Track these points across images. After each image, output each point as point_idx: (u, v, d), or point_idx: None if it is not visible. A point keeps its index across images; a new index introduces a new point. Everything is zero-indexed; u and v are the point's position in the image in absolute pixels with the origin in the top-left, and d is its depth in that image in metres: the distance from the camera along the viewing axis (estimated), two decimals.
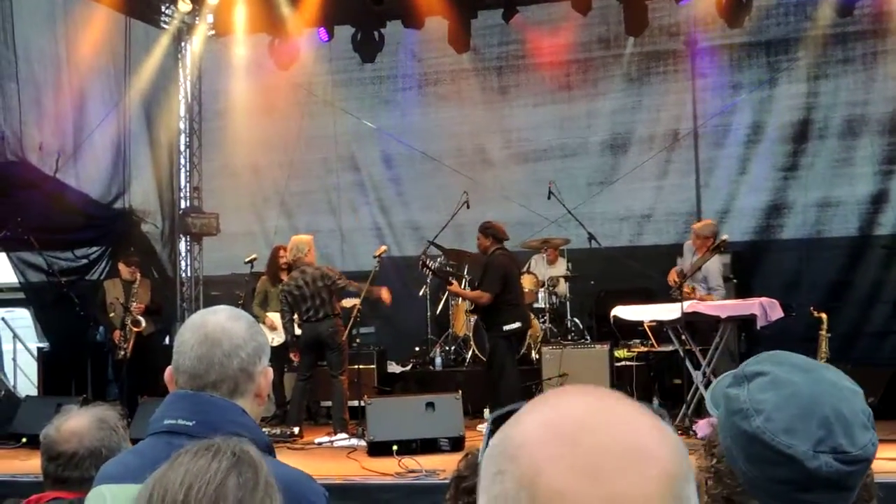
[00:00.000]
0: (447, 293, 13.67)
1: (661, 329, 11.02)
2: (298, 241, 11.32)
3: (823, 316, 10.74)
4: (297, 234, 11.84)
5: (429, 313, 14.24)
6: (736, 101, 14.87)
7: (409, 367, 13.95)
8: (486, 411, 11.43)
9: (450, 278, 12.37)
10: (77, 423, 3.48)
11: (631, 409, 1.15)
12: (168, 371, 2.73)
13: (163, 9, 16.22)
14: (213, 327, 2.66)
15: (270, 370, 2.78)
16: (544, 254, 14.03)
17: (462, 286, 12.83)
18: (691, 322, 10.47)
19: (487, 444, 1.20)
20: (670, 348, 11.21)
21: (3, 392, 13.02)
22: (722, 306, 10.45)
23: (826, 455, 1.71)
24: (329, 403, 11.63)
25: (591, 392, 1.17)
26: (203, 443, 2.08)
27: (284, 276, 12.57)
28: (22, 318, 15.41)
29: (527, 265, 13.95)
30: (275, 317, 12.32)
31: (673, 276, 11.07)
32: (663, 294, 11.34)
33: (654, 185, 15.15)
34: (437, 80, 16.28)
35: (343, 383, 10.97)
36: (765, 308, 10.14)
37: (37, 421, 10.31)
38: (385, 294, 11.30)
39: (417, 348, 14.26)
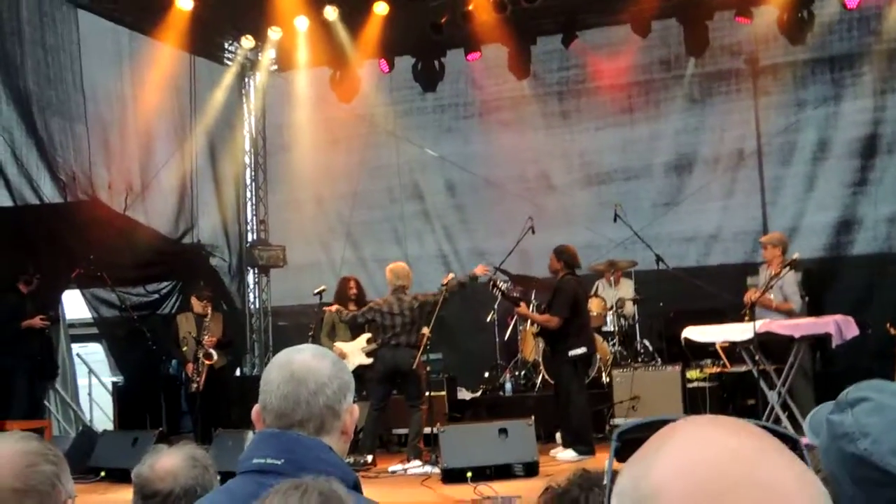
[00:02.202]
0: (515, 318, 13.58)
1: (733, 349, 10.84)
2: (397, 269, 11.36)
3: None
4: (396, 262, 11.81)
5: (497, 339, 14.13)
6: (801, 118, 14.66)
7: (479, 394, 13.87)
8: (558, 436, 11.32)
9: (518, 300, 12.28)
10: (171, 461, 3.48)
11: (773, 454, 1.08)
12: (255, 409, 2.74)
13: (226, 45, 16.40)
14: (299, 366, 2.68)
15: (356, 407, 2.81)
16: (610, 277, 13.90)
17: (531, 310, 12.74)
18: (764, 342, 10.28)
19: (611, 468, 1.14)
20: (743, 368, 11.02)
21: (80, 427, 13.10)
22: (796, 325, 10.24)
23: None
24: (401, 431, 11.63)
25: (727, 429, 1.11)
26: (291, 482, 2.15)
27: (353, 307, 12.58)
28: (96, 352, 15.55)
29: (593, 289, 13.82)
30: (343, 346, 12.33)
31: (750, 296, 10.86)
32: (733, 314, 11.16)
33: (720, 204, 14.99)
34: (499, 107, 16.23)
35: (423, 413, 10.93)
36: (839, 326, 9.91)
37: (114, 455, 10.51)
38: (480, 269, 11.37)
39: (487, 374, 14.17)
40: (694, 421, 1.14)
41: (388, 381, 11.13)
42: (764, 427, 1.15)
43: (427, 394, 11.17)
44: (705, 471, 1.05)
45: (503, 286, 12.32)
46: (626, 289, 13.96)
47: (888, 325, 10.69)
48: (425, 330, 11.18)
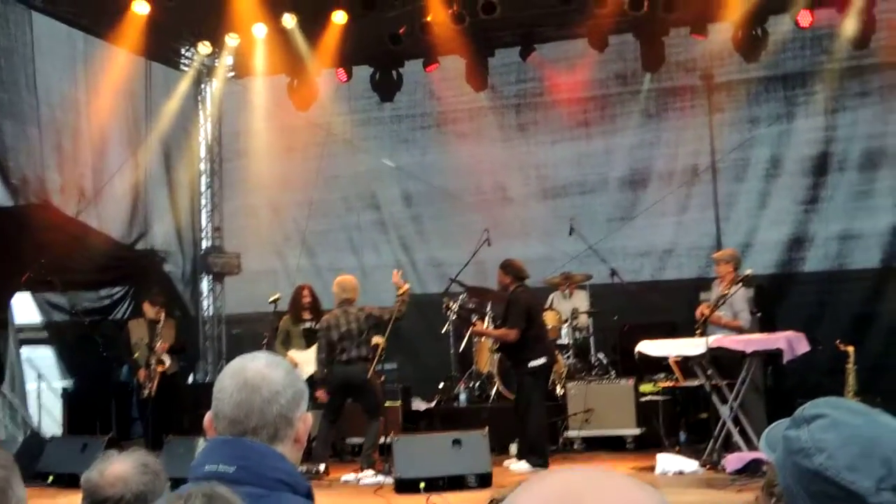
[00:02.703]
0: (469, 331, 13.55)
1: (686, 363, 10.86)
2: (344, 282, 11.23)
3: (850, 349, 10.61)
4: (343, 275, 11.67)
5: (452, 350, 14.07)
6: (754, 134, 14.78)
7: (433, 404, 13.82)
8: (513, 447, 11.34)
9: (473, 317, 12.27)
10: (121, 467, 3.43)
11: (620, 479, 1.22)
12: (207, 417, 2.72)
13: (182, 51, 16.31)
14: (253, 374, 2.66)
15: (309, 416, 2.79)
16: (565, 289, 13.90)
17: (486, 324, 12.74)
18: (717, 356, 10.31)
19: None
20: (696, 383, 11.05)
21: (28, 432, 12.92)
22: (748, 341, 10.28)
23: (888, 492, 1.77)
24: (356, 440, 11.60)
25: (582, 469, 1.26)
26: (175, 494, 2.23)
27: (307, 315, 12.50)
28: (45, 357, 15.36)
29: (549, 302, 13.83)
30: (296, 355, 12.30)
31: (702, 310, 10.89)
32: (687, 328, 11.19)
33: (675, 219, 15.08)
34: (456, 119, 16.24)
35: (381, 423, 10.88)
36: (791, 342, 9.97)
37: (63, 460, 10.40)
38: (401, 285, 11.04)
39: (441, 385, 14.12)
40: (554, 470, 1.35)
41: (341, 394, 11.04)
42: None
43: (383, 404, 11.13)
44: (562, 492, 1.21)
45: (454, 306, 12.28)
46: (581, 301, 13.98)
47: (838, 341, 10.76)
48: (379, 339, 11.11)
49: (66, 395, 14.02)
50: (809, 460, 1.82)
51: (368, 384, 10.87)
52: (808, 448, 1.83)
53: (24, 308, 14.03)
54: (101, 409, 13.63)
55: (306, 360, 12.10)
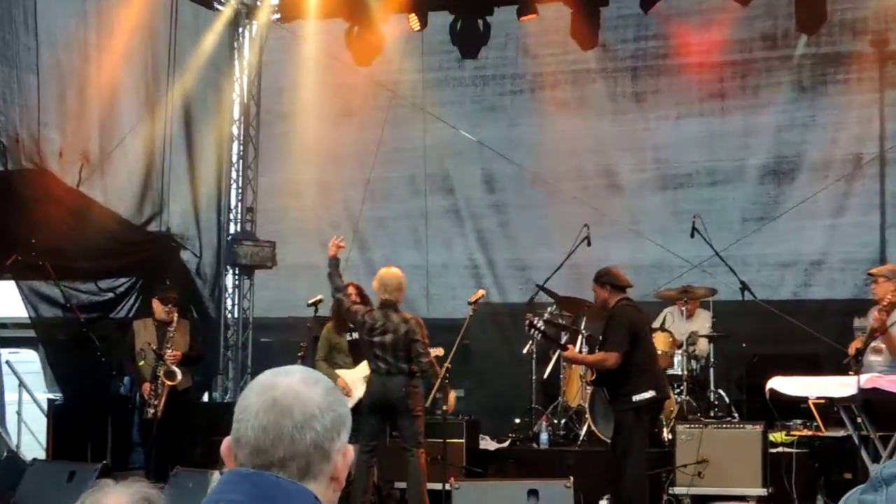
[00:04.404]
0: (558, 352, 13.56)
1: (830, 408, 10.88)
2: (386, 278, 11.34)
3: None
4: (387, 268, 11.84)
5: (534, 377, 14.14)
6: None
7: (506, 444, 13.93)
8: (603, 502, 11.38)
9: (563, 337, 12.16)
10: (116, 502, 3.43)
11: None
12: (226, 442, 2.74)
13: None
14: (284, 391, 2.66)
15: (351, 449, 2.78)
16: (682, 306, 13.91)
17: (578, 346, 12.78)
18: (870, 400, 10.32)
19: None
20: (841, 433, 11.08)
21: (4, 453, 13.14)
22: None
23: None
24: (404, 485, 11.66)
25: None
26: None
27: None
28: (30, 361, 15.64)
29: (660, 320, 13.88)
30: (347, 374, 12.40)
31: (855, 346, 10.83)
32: (834, 363, 11.19)
33: (828, 223, 15.08)
34: (556, 83, 16.37)
35: (420, 458, 10.96)
36: None
37: (45, 491, 10.65)
38: (452, 400, 11.36)
39: (518, 420, 14.23)
40: None
41: (377, 413, 11.16)
42: None
43: (441, 440, 11.26)
44: None
45: (540, 325, 12.19)
46: (702, 322, 14.00)
47: None
48: (440, 351, 11.24)
49: (53, 410, 14.09)
50: None
51: (409, 405, 10.98)
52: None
53: (7, 299, 14.27)
54: (94, 429, 13.68)
55: (354, 381, 12.26)
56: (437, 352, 11.77)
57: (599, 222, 14.41)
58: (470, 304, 11.61)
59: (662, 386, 11.27)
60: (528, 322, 11.73)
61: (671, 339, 13.37)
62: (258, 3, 16.76)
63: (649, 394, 10.75)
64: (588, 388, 12.87)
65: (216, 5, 16.59)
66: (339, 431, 2.70)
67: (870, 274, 11.56)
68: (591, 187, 15.92)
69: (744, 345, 13.61)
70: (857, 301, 13.53)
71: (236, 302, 17.35)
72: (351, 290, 12.59)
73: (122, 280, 15.11)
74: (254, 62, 17.41)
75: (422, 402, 11.23)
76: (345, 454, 2.73)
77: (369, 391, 11.23)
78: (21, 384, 14.71)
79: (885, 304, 10.64)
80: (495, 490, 10.56)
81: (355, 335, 12.30)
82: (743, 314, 13.45)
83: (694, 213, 13.80)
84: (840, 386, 10.23)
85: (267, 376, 2.75)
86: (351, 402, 11.70)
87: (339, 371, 12.49)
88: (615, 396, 11.02)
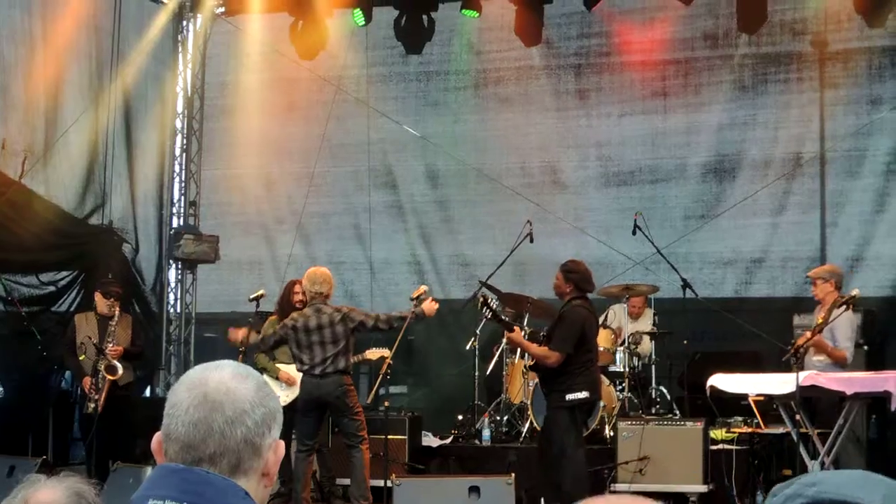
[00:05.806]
0: (501, 349, 13.54)
1: (770, 405, 10.92)
2: (315, 275, 11.32)
3: None
4: (315, 266, 11.83)
5: (477, 373, 14.06)
6: (874, 119, 14.80)
7: (449, 440, 13.91)
8: (543, 502, 11.34)
9: (511, 325, 12.11)
10: (49, 497, 3.44)
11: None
12: (156, 438, 2.74)
13: None
14: (215, 386, 2.64)
15: (282, 444, 2.76)
16: (626, 303, 13.93)
17: None
18: (809, 398, 10.36)
19: None
20: (781, 430, 11.12)
21: None
22: (849, 380, 10.31)
23: None
24: (347, 481, 11.61)
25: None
26: None
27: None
28: None
29: (603, 317, 13.88)
30: (289, 369, 12.28)
31: (803, 341, 10.83)
32: (775, 360, 11.24)
33: (769, 221, 15.16)
34: (500, 79, 16.38)
35: (364, 454, 10.92)
36: None
37: None
38: (428, 307, 11.24)
39: (460, 417, 14.21)
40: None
41: (312, 412, 11.10)
42: None
43: (383, 437, 11.22)
44: None
45: (494, 305, 12.15)
46: (645, 320, 14.04)
47: None
48: (385, 353, 11.22)
49: None
50: (803, 497, 1.86)
51: (346, 404, 10.93)
52: (797, 491, 1.88)
53: None
54: (35, 423, 13.67)
55: (297, 375, 12.18)
56: (383, 352, 11.72)
57: (543, 219, 14.46)
58: (412, 300, 11.56)
59: (596, 387, 11.23)
60: (480, 299, 11.55)
61: (613, 337, 13.41)
62: None
63: (583, 394, 10.76)
64: (531, 384, 12.83)
65: None
66: (269, 427, 2.68)
67: (809, 276, 11.62)
68: (534, 184, 15.94)
69: (685, 342, 13.60)
70: (798, 299, 13.65)
71: (178, 297, 17.21)
72: (298, 288, 12.52)
73: (64, 273, 15.06)
74: (198, 56, 17.28)
75: (357, 399, 11.19)
76: (276, 450, 2.71)
77: (303, 390, 11.15)
78: None
79: (826, 306, 10.73)
80: (437, 487, 10.58)
81: None
82: (685, 312, 13.48)
83: (636, 210, 13.82)
84: (780, 383, 10.27)
85: (198, 371, 2.73)
86: (291, 397, 11.68)
87: (279, 365, 12.47)
88: (550, 392, 11.01)
